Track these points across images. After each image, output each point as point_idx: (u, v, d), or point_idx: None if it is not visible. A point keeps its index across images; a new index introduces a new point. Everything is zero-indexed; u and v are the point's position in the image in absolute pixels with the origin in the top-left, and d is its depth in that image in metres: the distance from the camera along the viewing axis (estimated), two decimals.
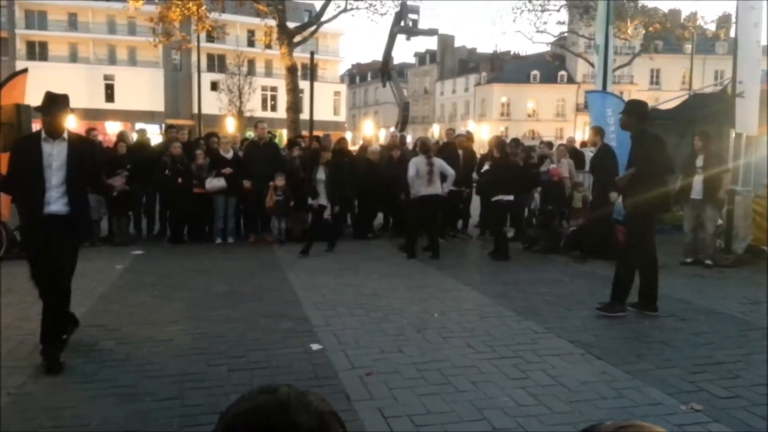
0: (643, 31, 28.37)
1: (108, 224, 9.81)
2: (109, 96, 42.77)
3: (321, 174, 8.68)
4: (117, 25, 44.26)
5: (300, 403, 0.79)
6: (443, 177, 8.74)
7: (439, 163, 8.73)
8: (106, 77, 42.90)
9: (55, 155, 4.36)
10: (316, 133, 17.93)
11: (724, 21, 28.67)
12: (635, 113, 5.84)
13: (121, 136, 10.42)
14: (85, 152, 4.62)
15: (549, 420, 3.51)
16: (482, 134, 38.11)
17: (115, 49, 45.07)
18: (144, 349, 4.69)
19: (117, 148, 9.87)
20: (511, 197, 8.85)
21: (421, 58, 74.48)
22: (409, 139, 15.46)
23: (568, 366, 4.41)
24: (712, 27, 29.61)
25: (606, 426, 0.80)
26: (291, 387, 0.82)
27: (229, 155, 9.98)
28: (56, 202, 4.33)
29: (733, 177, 8.86)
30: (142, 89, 41.75)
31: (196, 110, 28.83)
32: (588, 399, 3.81)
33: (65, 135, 4.46)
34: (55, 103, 4.42)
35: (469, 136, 12.67)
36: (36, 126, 5.29)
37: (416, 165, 8.66)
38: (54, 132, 4.39)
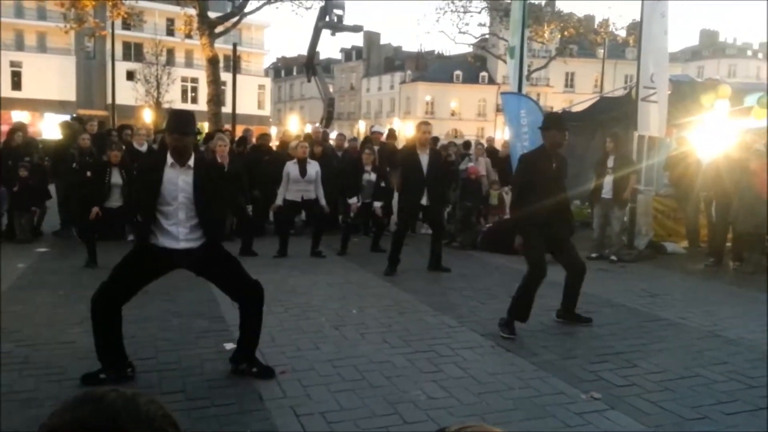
0: (559, 35, 29.51)
1: (9, 220, 9.24)
2: (16, 84, 40.16)
3: (116, 177, 8.01)
4: (25, 9, 41.54)
5: (129, 410, 0.72)
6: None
7: (313, 167, 8.58)
8: (12, 64, 40.24)
9: (181, 186, 3.80)
10: (239, 127, 17.59)
11: (633, 28, 30.24)
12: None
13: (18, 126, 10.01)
14: (214, 177, 4.09)
15: (458, 412, 3.61)
16: (407, 132, 38.56)
17: (23, 34, 42.30)
18: (45, 351, 4.46)
19: (13, 138, 9.32)
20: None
21: (347, 54, 74.34)
22: (333, 135, 15.39)
23: (479, 358, 4.55)
24: (622, 33, 31.23)
25: (450, 428, 0.80)
26: (118, 391, 0.75)
27: (143, 148, 9.61)
28: (186, 239, 3.87)
29: (637, 177, 9.41)
30: (51, 77, 39.45)
31: (110, 100, 27.58)
32: (496, 390, 3.95)
33: (191, 162, 3.84)
34: (186, 122, 3.85)
35: (391, 134, 12.83)
36: None
37: (288, 170, 8.50)
38: (183, 158, 3.80)
